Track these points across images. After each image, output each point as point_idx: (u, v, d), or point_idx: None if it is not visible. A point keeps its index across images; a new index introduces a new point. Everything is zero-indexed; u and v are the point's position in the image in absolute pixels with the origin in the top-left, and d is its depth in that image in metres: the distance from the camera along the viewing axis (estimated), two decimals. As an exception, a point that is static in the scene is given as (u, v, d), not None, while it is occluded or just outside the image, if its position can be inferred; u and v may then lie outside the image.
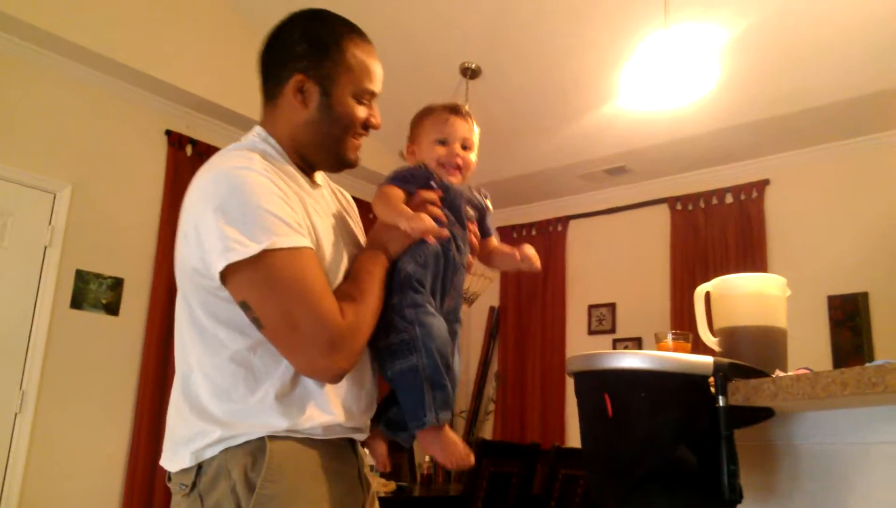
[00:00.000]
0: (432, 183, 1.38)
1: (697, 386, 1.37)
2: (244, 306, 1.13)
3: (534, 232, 5.82)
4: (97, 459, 3.77)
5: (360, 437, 1.29)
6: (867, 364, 1.09)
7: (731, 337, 1.61)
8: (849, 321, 4.20)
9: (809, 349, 4.22)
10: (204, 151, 4.30)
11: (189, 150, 4.29)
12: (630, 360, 1.41)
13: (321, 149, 1.29)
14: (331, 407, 1.19)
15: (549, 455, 3.64)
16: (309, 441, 1.18)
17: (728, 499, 1.30)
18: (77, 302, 3.74)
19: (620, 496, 1.41)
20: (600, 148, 4.88)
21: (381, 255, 1.28)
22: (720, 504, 1.34)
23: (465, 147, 1.43)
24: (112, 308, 3.87)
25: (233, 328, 1.16)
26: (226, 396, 1.15)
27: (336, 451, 1.23)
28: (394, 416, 1.35)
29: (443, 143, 1.41)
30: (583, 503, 3.58)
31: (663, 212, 5.16)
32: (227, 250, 1.09)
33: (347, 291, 1.21)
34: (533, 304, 5.69)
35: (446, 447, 1.26)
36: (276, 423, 1.14)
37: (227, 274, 1.11)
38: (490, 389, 5.82)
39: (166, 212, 4.11)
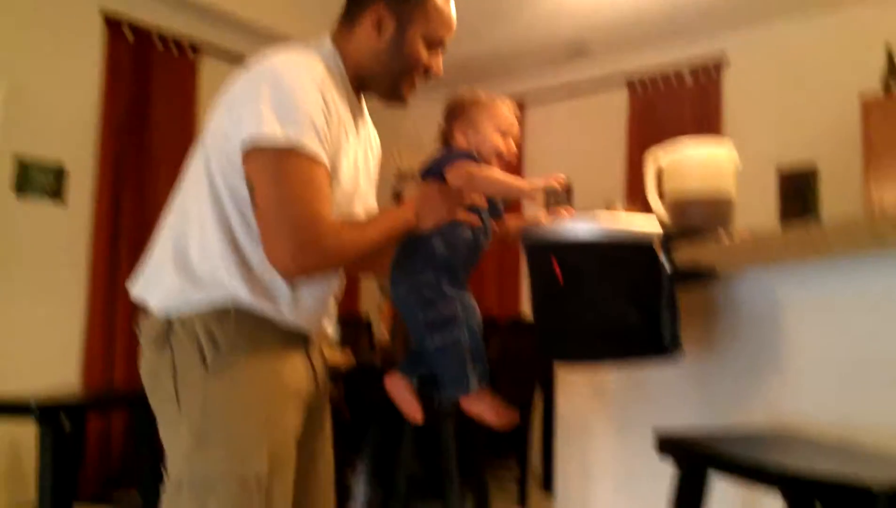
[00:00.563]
0: None
1: (644, 251, 1.41)
2: (250, 187, 1.19)
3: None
4: (49, 351, 3.75)
5: (312, 335, 1.36)
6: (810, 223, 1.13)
7: (680, 204, 1.64)
8: (797, 195, 4.31)
9: (758, 224, 4.33)
10: (144, 37, 4.06)
11: (128, 33, 4.02)
12: (581, 228, 1.43)
13: (380, 79, 1.35)
14: (294, 308, 1.26)
15: (504, 328, 3.75)
16: (270, 324, 1.24)
17: (668, 352, 1.37)
18: (21, 188, 3.62)
19: (569, 351, 1.47)
20: (558, 27, 4.74)
21: (409, 216, 1.34)
22: (662, 357, 1.41)
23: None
24: (58, 195, 3.75)
25: (237, 200, 1.21)
26: (211, 259, 1.20)
27: (293, 339, 1.30)
28: (425, 374, 1.44)
29: (504, 134, 1.46)
30: (536, 373, 3.71)
31: (622, 96, 5.10)
32: (260, 127, 1.15)
33: (355, 220, 1.31)
34: (490, 184, 5.68)
35: (493, 408, 1.36)
36: (246, 298, 1.20)
37: (250, 152, 1.17)
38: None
39: (107, 100, 3.91)
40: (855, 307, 1.28)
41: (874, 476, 0.83)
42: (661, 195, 1.72)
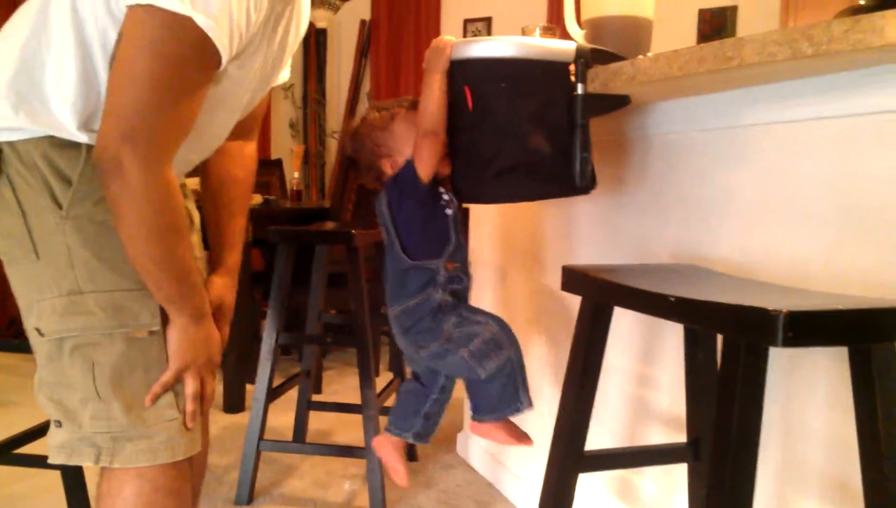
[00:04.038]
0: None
1: (558, 74, 1.31)
2: (118, 43, 0.96)
3: (407, -63, 5.32)
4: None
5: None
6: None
7: (598, 27, 1.53)
8: (716, 34, 4.27)
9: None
10: None
11: None
12: (492, 47, 1.32)
13: None
14: None
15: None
16: None
17: (580, 186, 1.32)
18: None
19: (479, 188, 1.40)
20: None
21: (180, 317, 1.09)
22: (573, 191, 1.36)
23: None
24: None
25: (103, 46, 1.00)
26: (65, 89, 1.00)
27: None
28: (424, 429, 1.39)
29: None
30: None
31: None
32: None
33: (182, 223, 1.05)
34: (405, 20, 5.39)
35: (515, 432, 1.35)
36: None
37: (136, 7, 0.93)
38: (362, 109, 5.69)
39: None
40: (765, 140, 1.24)
41: (774, 303, 0.81)
42: (580, 24, 1.60)
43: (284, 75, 1.28)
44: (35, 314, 1.05)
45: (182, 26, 0.92)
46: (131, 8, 0.93)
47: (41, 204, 1.03)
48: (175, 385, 1.08)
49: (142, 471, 1.06)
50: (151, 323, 1.06)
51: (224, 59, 0.98)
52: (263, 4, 1.00)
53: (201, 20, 0.92)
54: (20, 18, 1.05)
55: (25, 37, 1.02)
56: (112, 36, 0.99)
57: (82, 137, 1.02)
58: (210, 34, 0.93)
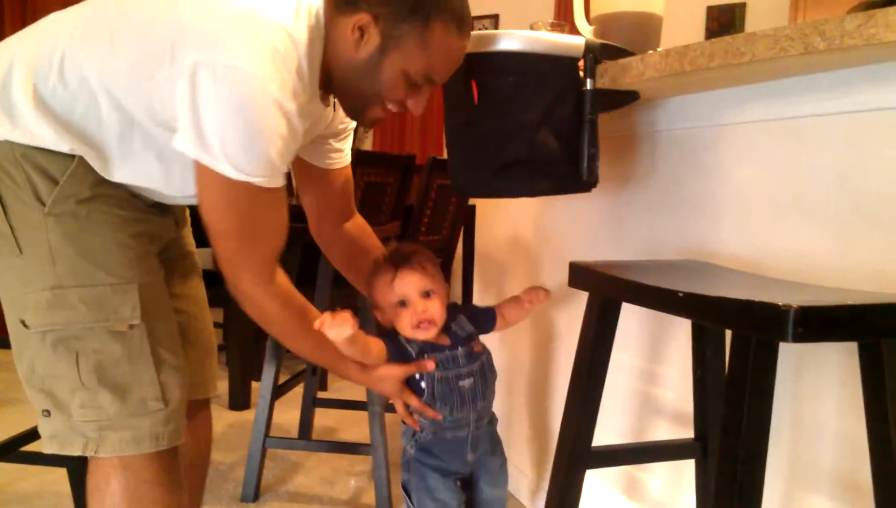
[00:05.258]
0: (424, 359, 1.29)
1: (566, 69, 1.31)
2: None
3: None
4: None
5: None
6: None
7: (607, 23, 1.52)
8: (724, 31, 4.25)
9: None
10: None
11: None
12: (501, 42, 1.31)
13: (344, 94, 1.16)
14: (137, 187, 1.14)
15: (425, 167, 3.66)
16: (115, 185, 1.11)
17: (586, 181, 1.31)
18: None
19: (483, 182, 1.40)
20: None
21: (354, 374, 1.26)
22: (578, 187, 1.35)
23: (427, 295, 1.28)
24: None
25: (151, 117, 1.05)
26: (84, 118, 1.05)
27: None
28: None
29: (403, 303, 1.28)
30: (456, 212, 3.70)
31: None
32: (213, 156, 0.99)
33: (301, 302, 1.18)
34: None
35: None
36: (99, 166, 1.07)
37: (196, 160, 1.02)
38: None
39: None
40: (775, 136, 1.23)
41: (784, 298, 0.80)
42: (589, 21, 1.60)
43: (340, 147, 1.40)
44: (20, 308, 1.08)
45: (245, 187, 1.01)
46: (196, 162, 1.01)
47: (24, 200, 1.05)
48: (162, 377, 1.11)
49: (126, 463, 1.09)
50: (132, 317, 1.09)
51: (284, 182, 1.07)
52: (299, 134, 1.06)
53: (258, 181, 1.01)
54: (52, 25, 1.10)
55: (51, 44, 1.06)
56: (151, 122, 1.05)
57: (64, 149, 1.05)
58: (268, 184, 1.03)
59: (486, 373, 1.33)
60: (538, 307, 1.43)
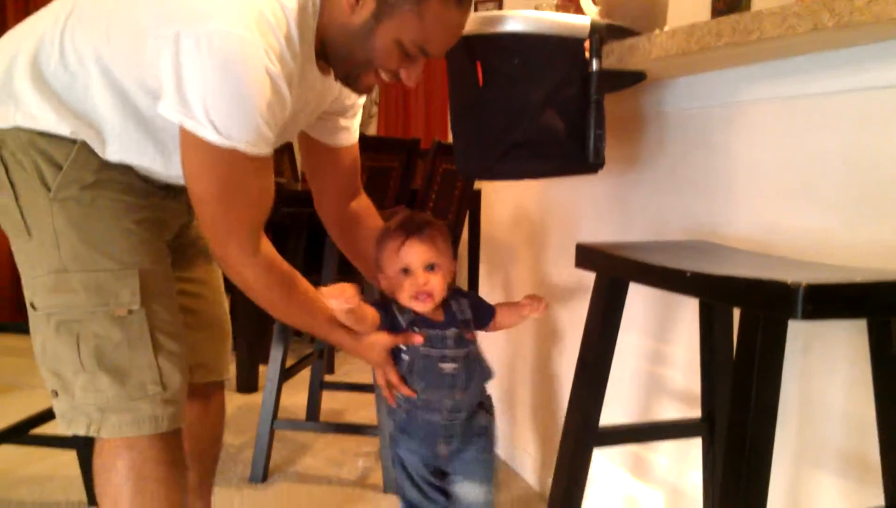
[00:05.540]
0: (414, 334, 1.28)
1: (572, 50, 1.30)
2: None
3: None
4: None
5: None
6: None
7: (613, 3, 1.50)
8: (731, 10, 4.21)
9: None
10: None
11: None
12: (506, 23, 1.30)
13: (337, 60, 1.14)
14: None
15: (429, 151, 3.65)
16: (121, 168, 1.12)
17: (592, 162, 1.31)
18: None
19: (488, 164, 1.39)
20: None
21: (344, 341, 1.25)
22: (584, 169, 1.35)
23: (431, 268, 1.27)
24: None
25: (145, 92, 1.05)
26: (84, 98, 1.06)
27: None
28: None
29: (406, 271, 1.27)
30: (461, 196, 3.69)
31: None
32: (196, 129, 0.98)
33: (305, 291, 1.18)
34: (416, -2, 5.36)
35: None
36: (98, 146, 1.08)
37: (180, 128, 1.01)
38: (374, 91, 5.65)
39: None
40: (782, 114, 1.23)
41: (793, 276, 0.80)
42: (594, 1, 1.58)
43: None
44: (30, 290, 1.11)
45: (229, 153, 1.00)
46: (180, 127, 1.00)
47: (32, 185, 1.07)
48: (160, 362, 1.13)
49: (131, 442, 1.11)
50: (131, 302, 1.10)
51: (270, 150, 1.06)
52: (287, 101, 1.04)
53: (242, 147, 1.00)
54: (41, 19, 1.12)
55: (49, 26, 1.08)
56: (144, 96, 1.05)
57: (66, 132, 1.06)
58: (252, 151, 1.01)
59: (472, 364, 1.30)
60: (533, 317, 1.41)
